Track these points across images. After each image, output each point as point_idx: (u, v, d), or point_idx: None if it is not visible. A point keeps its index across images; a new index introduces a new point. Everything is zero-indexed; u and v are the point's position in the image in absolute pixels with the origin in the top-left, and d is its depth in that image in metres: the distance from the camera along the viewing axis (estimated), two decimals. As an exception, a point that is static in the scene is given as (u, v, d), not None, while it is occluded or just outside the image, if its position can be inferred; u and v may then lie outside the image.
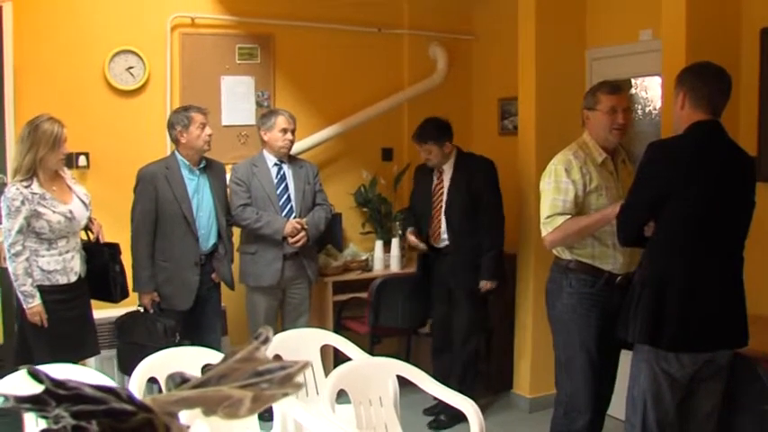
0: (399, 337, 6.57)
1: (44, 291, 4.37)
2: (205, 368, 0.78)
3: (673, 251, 3.48)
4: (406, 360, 5.33)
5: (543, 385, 5.81)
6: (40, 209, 4.31)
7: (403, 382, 3.84)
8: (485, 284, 5.53)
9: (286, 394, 0.73)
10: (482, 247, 5.51)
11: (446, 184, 5.65)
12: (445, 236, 5.64)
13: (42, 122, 4.38)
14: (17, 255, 4.28)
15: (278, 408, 3.56)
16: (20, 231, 4.27)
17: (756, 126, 4.58)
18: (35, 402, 0.65)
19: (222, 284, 5.39)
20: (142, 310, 5.10)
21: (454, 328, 5.73)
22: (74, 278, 4.51)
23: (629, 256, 4.08)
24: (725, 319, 3.48)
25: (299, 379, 0.75)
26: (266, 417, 3.69)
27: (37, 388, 0.66)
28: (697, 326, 3.42)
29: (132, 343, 4.98)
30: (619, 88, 4.21)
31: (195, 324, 5.22)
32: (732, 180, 3.51)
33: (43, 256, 4.38)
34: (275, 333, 3.71)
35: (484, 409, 4.42)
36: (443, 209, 5.63)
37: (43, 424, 0.68)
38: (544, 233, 4.11)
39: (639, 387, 3.56)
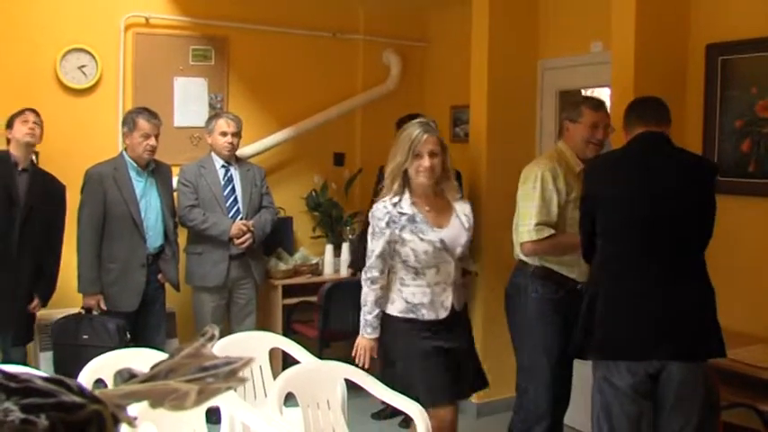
0: (348, 342, 6.57)
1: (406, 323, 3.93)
2: (153, 368, 0.80)
3: (601, 259, 3.52)
4: (354, 364, 5.34)
5: (490, 391, 5.85)
6: (406, 234, 3.83)
7: (351, 386, 3.86)
8: None
9: (230, 387, 0.76)
10: None
11: None
12: None
13: (408, 125, 3.98)
14: (372, 281, 3.90)
15: (226, 410, 3.56)
16: (381, 256, 3.86)
17: (701, 139, 4.68)
18: (-16, 396, 0.66)
19: (168, 286, 5.37)
20: (84, 312, 5.06)
21: None
22: (443, 314, 3.94)
23: None
24: (670, 328, 3.36)
25: (243, 374, 0.77)
26: (214, 419, 3.67)
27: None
28: (628, 333, 3.39)
29: (76, 345, 4.93)
30: (602, 105, 4.31)
31: (141, 325, 5.21)
32: (667, 183, 3.44)
33: (408, 286, 3.90)
34: (223, 334, 3.72)
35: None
36: None
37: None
38: (526, 238, 4.11)
39: (593, 399, 3.58)
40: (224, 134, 5.49)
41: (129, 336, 4.97)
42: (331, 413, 3.74)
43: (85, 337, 4.92)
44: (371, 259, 3.87)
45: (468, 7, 5.91)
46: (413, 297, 3.87)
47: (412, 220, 3.82)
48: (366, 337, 3.99)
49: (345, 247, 6.62)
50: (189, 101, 6.33)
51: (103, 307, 5.06)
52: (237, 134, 5.57)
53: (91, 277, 5.05)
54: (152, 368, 0.79)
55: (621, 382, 3.41)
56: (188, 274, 5.58)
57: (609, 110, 4.45)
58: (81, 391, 0.70)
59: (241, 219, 5.52)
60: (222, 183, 5.55)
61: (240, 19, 6.46)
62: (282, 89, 6.72)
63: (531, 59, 5.93)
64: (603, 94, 5.38)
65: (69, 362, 4.76)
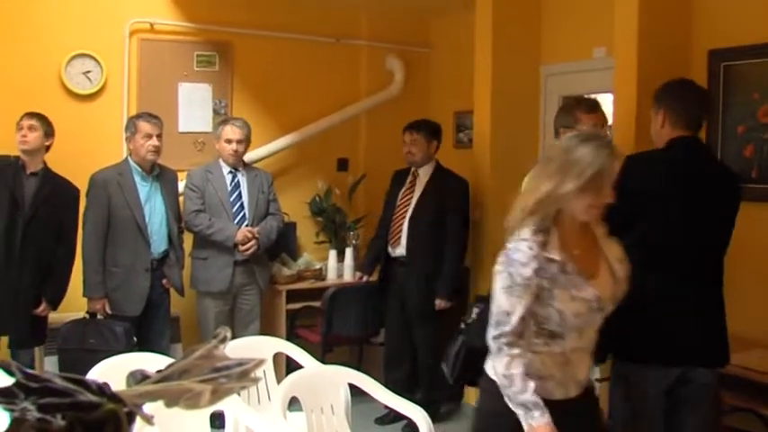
0: (351, 346, 6.59)
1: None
2: (166, 369, 0.82)
3: (645, 266, 3.36)
4: (358, 369, 5.36)
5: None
6: (557, 290, 2.68)
7: (354, 391, 3.87)
8: (440, 304, 5.60)
9: (243, 387, 0.77)
10: (438, 265, 5.58)
11: (417, 191, 5.70)
12: (403, 242, 5.68)
13: (583, 142, 2.71)
14: (510, 345, 2.68)
15: (230, 414, 3.57)
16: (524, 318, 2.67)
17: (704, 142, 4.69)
18: (3, 395, 0.68)
19: (173, 291, 5.39)
20: (89, 317, 5.08)
21: (413, 345, 5.81)
22: (574, 391, 2.86)
23: None
24: (699, 335, 3.39)
25: (256, 374, 0.79)
26: (217, 424, 3.69)
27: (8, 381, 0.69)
28: (665, 339, 3.38)
29: (82, 349, 4.94)
30: (596, 106, 4.15)
31: (145, 329, 5.23)
32: (711, 197, 3.44)
33: (538, 354, 2.75)
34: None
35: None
36: (408, 215, 5.67)
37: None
38: None
39: (615, 404, 3.52)
40: (229, 141, 5.51)
41: (135, 339, 4.99)
42: (335, 418, 3.75)
43: (92, 341, 4.94)
44: (511, 324, 2.66)
45: (471, 13, 5.94)
46: (542, 368, 2.76)
47: (563, 269, 2.70)
48: (539, 423, 2.62)
49: (349, 252, 6.64)
50: (193, 106, 6.35)
51: (108, 311, 5.08)
52: (243, 141, 5.56)
53: (95, 281, 5.07)
54: (165, 369, 0.81)
55: (653, 388, 3.39)
56: (193, 279, 5.60)
57: (611, 114, 4.43)
58: (101, 390, 0.71)
59: (247, 225, 5.53)
60: (229, 188, 5.57)
61: (244, 25, 6.48)
62: (286, 95, 6.74)
63: (534, 65, 5.95)
64: (606, 99, 5.39)
65: (75, 366, 4.76)
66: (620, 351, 3.44)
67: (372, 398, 3.87)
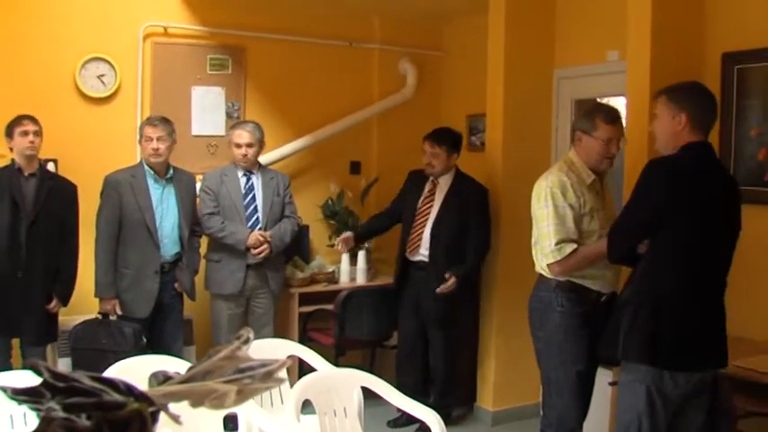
0: (364, 350, 6.60)
1: None
2: (189, 370, 0.83)
3: (671, 271, 3.42)
4: (371, 372, 5.36)
5: (506, 399, 5.88)
6: None
7: (365, 394, 3.87)
8: (449, 278, 5.49)
9: (269, 388, 0.78)
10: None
11: (438, 198, 5.66)
12: (425, 251, 5.65)
13: None
14: None
15: (243, 417, 3.58)
16: None
17: (717, 148, 4.67)
18: (30, 395, 0.69)
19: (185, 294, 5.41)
20: (101, 317, 5.10)
21: (427, 349, 5.82)
22: None
23: (616, 274, 4.10)
24: (713, 339, 3.44)
25: (280, 375, 0.79)
26: (231, 426, 3.69)
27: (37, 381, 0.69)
28: (691, 345, 3.38)
29: (94, 349, 4.98)
30: (618, 117, 4.13)
31: (158, 332, 5.25)
32: (724, 203, 3.48)
33: None
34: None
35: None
36: (431, 224, 5.63)
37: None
38: (550, 260, 3.99)
39: (634, 409, 3.46)
40: (238, 146, 5.50)
41: (144, 340, 5.01)
42: (348, 421, 3.76)
43: (104, 341, 4.97)
44: None
45: (483, 16, 5.94)
46: None
47: None
48: None
49: (361, 255, 6.64)
50: (206, 110, 6.37)
51: (119, 312, 5.10)
52: (253, 145, 5.52)
53: (106, 282, 5.09)
54: (189, 370, 0.81)
55: (675, 391, 3.39)
56: (206, 281, 5.61)
57: (624, 119, 4.42)
58: (129, 390, 0.72)
59: (260, 228, 5.52)
60: (243, 191, 5.56)
61: (257, 28, 6.50)
62: (299, 98, 6.75)
63: (547, 68, 5.94)
64: (619, 103, 5.39)
65: (88, 367, 4.76)
66: (642, 355, 3.41)
67: (383, 401, 3.86)
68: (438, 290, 5.50)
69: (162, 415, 0.81)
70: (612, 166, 4.21)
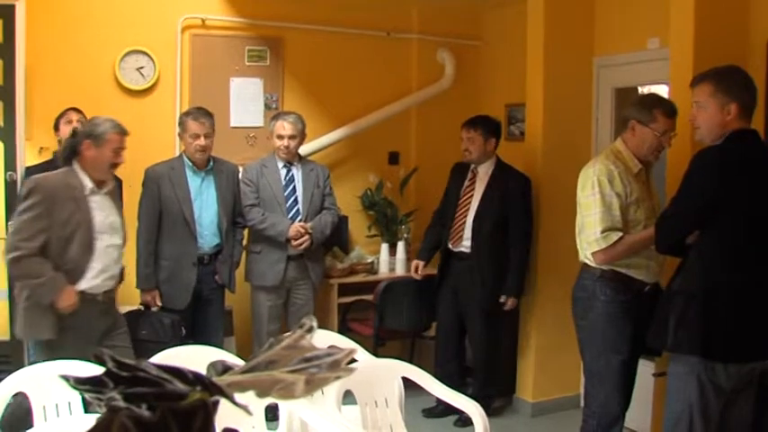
0: (403, 340, 6.59)
1: None
2: (251, 359, 0.81)
3: (724, 262, 3.40)
4: (410, 362, 5.35)
5: (546, 390, 5.85)
6: None
7: (405, 384, 3.86)
8: (507, 301, 5.58)
9: (338, 377, 0.76)
10: (503, 263, 5.55)
11: (478, 188, 5.63)
12: (467, 242, 5.61)
13: None
14: None
15: (284, 407, 3.59)
16: None
17: (763, 135, 4.60)
18: (93, 384, 0.68)
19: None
20: (143, 309, 5.14)
21: (467, 339, 5.83)
22: None
23: (660, 265, 4.08)
24: (764, 329, 3.40)
25: (348, 364, 0.78)
26: (271, 417, 3.71)
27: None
28: (746, 336, 3.36)
29: (135, 340, 5.01)
30: (676, 112, 4.10)
31: (200, 324, 5.26)
32: None
33: None
34: (280, 333, 3.74)
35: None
36: (472, 214, 5.60)
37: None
38: (595, 248, 3.99)
39: (685, 400, 3.45)
40: (280, 137, 5.48)
41: (184, 331, 5.02)
42: (389, 411, 3.75)
43: (144, 332, 4.99)
44: None
45: (522, 5, 5.90)
46: None
47: None
48: None
49: (400, 245, 6.63)
50: (245, 101, 6.38)
51: (158, 303, 5.13)
52: (296, 137, 5.51)
53: (146, 273, 5.13)
54: (251, 360, 0.80)
55: (727, 383, 3.35)
56: (247, 272, 5.63)
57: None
58: (198, 379, 0.71)
59: (300, 220, 5.51)
60: (283, 182, 5.55)
61: (295, 19, 6.50)
62: (337, 89, 6.75)
63: (587, 57, 5.89)
64: (661, 91, 5.33)
65: (131, 357, 4.81)
66: (694, 347, 3.38)
67: (418, 391, 3.86)
68: (506, 308, 5.62)
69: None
70: (659, 159, 4.19)
